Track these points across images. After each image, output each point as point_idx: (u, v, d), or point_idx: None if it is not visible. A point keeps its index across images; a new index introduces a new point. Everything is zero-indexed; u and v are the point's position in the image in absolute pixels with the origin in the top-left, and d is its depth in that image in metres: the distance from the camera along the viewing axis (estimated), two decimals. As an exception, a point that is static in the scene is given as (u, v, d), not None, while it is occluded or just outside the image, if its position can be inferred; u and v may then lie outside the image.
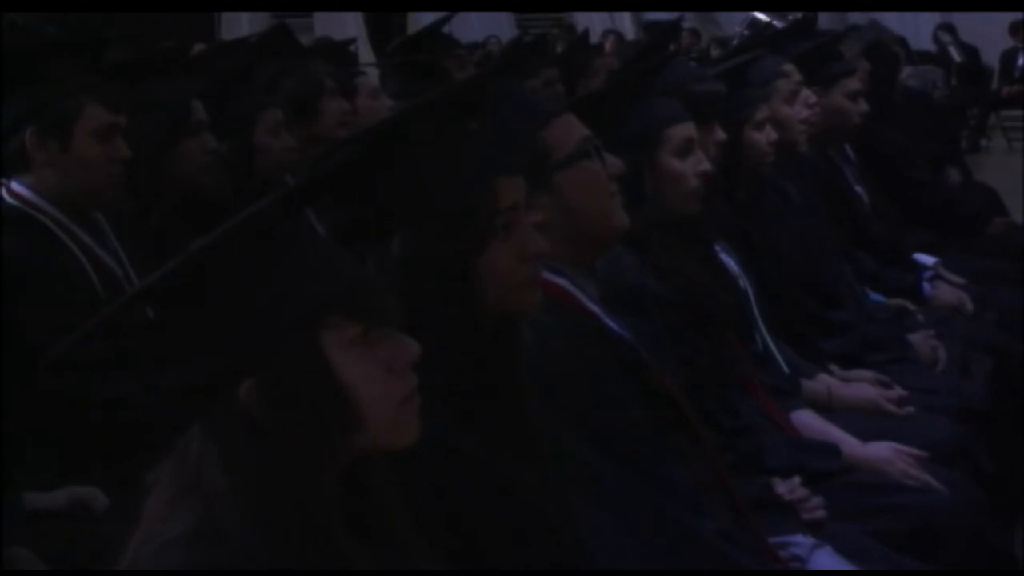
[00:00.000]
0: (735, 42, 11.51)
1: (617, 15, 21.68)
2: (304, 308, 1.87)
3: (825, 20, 9.88)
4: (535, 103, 3.09)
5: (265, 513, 1.83)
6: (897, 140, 6.81)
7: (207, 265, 1.87)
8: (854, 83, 5.81)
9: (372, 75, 7.70)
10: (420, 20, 16.80)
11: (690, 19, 18.24)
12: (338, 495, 1.90)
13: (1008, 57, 19.94)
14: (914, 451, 3.92)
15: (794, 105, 5.05)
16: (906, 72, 8.78)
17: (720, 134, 4.15)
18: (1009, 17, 19.54)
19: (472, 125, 2.48)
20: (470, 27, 18.47)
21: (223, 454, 1.85)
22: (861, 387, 4.40)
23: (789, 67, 5.10)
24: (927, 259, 5.93)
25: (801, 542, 3.28)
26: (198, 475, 1.85)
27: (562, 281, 3.01)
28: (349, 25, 17.91)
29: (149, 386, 3.63)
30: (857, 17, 12.25)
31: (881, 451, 3.90)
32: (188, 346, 1.88)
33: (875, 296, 5.41)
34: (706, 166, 3.75)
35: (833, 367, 4.55)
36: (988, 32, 19.97)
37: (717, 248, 4.15)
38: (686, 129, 3.72)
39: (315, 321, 1.87)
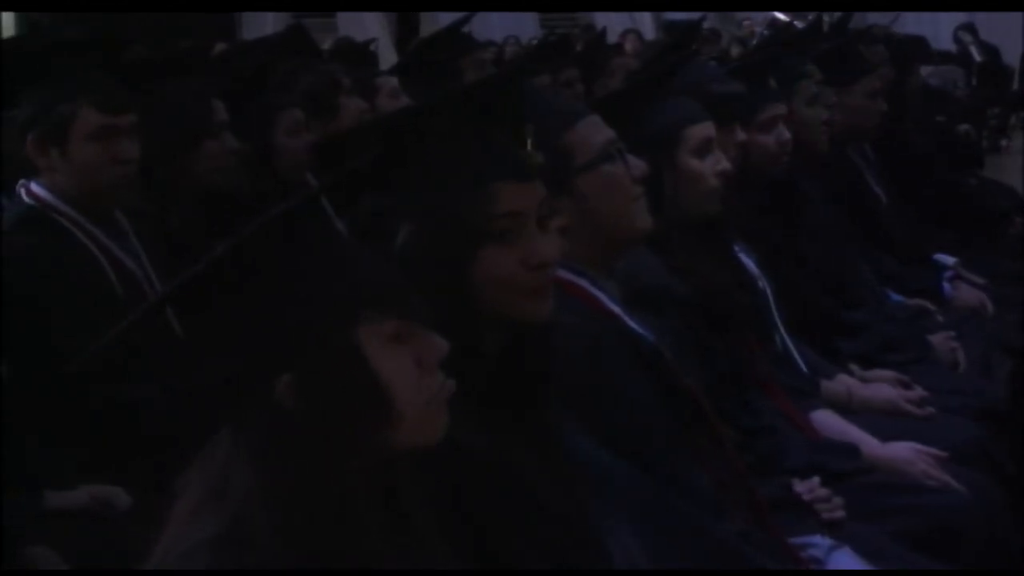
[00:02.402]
0: (754, 41, 11.49)
1: (637, 15, 21.62)
2: (342, 301, 1.90)
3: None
4: (555, 106, 3.08)
5: (295, 511, 1.85)
6: (917, 140, 6.79)
7: (242, 263, 1.89)
8: (874, 82, 5.79)
9: (393, 74, 7.70)
10: (435, 21, 16.77)
11: (711, 19, 18.17)
12: (368, 494, 1.91)
13: (1029, 57, 19.86)
14: (934, 451, 3.91)
15: (815, 106, 5.04)
16: (927, 72, 8.75)
17: (741, 135, 4.15)
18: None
19: (486, 126, 2.46)
20: (492, 27, 18.42)
21: (254, 451, 1.87)
22: (881, 387, 4.39)
23: (811, 67, 5.09)
24: (947, 259, 5.91)
25: (819, 543, 3.27)
26: (225, 480, 1.87)
27: (583, 282, 3.01)
28: (371, 25, 17.91)
29: (167, 387, 3.65)
30: (877, 17, 12.20)
31: (901, 451, 3.89)
32: (222, 344, 1.90)
33: (895, 296, 5.40)
34: (725, 166, 3.75)
35: (853, 367, 4.54)
36: (1009, 32, 19.89)
37: (737, 248, 4.15)
38: (705, 129, 3.71)
39: (353, 315, 1.90)
